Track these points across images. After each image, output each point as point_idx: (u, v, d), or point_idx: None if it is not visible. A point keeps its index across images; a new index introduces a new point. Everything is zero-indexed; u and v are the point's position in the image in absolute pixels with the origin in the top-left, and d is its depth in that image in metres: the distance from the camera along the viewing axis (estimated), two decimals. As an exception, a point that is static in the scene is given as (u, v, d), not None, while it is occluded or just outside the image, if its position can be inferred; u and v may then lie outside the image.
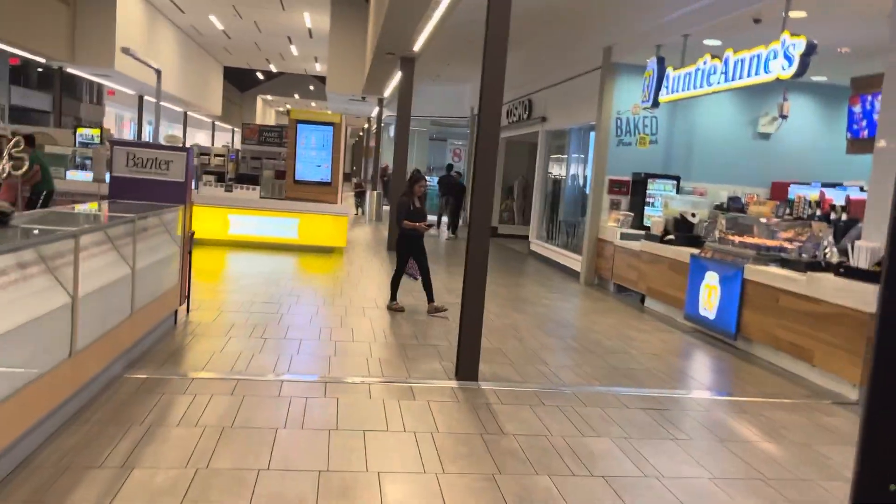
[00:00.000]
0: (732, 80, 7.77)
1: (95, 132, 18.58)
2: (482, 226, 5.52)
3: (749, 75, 7.46)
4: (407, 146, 14.29)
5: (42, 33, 16.05)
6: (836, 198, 8.43)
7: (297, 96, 41.77)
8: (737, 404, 5.51)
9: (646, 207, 10.75)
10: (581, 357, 6.56)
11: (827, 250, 6.76)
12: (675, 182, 10.81)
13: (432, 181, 18.52)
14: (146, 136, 23.66)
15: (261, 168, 15.47)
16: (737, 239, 7.91)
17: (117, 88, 24.29)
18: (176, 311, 6.52)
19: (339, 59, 19.30)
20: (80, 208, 6.02)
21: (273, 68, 32.71)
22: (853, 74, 8.89)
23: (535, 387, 5.51)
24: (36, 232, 4.11)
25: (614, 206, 11.04)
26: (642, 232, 10.12)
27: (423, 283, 7.95)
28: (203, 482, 3.47)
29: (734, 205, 9.92)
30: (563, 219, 13.57)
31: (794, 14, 7.08)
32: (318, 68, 29.66)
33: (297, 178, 13.13)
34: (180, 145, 13.86)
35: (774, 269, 6.94)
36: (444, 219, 18.12)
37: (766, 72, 7.16)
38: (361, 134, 38.29)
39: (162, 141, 17.28)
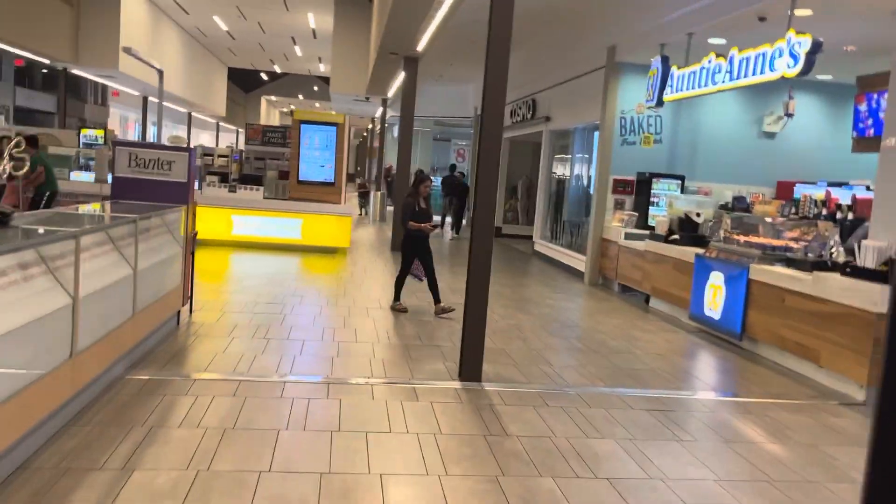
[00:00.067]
0: (737, 78, 7.72)
1: (99, 133, 18.62)
2: (486, 226, 5.49)
3: (754, 74, 7.41)
4: (410, 146, 14.28)
5: (46, 34, 16.08)
6: (843, 197, 8.38)
7: (301, 97, 41.80)
8: (742, 405, 5.47)
9: (650, 207, 10.70)
10: (585, 357, 6.53)
11: (833, 250, 6.71)
12: (679, 182, 10.76)
13: (436, 181, 18.52)
14: (150, 137, 23.68)
15: (264, 168, 15.45)
16: (742, 238, 7.86)
17: (121, 89, 24.31)
18: (179, 312, 6.51)
19: (342, 60, 19.31)
20: (81, 209, 6.01)
21: (277, 69, 32.73)
22: (859, 73, 8.85)
23: (539, 388, 5.48)
24: (38, 232, 4.10)
25: (618, 205, 10.99)
26: (647, 232, 10.06)
27: (429, 283, 7.91)
28: (204, 484, 3.45)
29: (739, 204, 9.87)
30: (567, 219, 13.52)
31: (799, 12, 7.02)
32: (322, 69, 29.69)
33: (300, 178, 13.12)
34: (183, 146, 13.86)
35: (780, 269, 6.90)
36: (448, 219, 18.10)
37: (771, 70, 7.12)
38: (365, 134, 38.33)
39: (166, 142, 17.29)
